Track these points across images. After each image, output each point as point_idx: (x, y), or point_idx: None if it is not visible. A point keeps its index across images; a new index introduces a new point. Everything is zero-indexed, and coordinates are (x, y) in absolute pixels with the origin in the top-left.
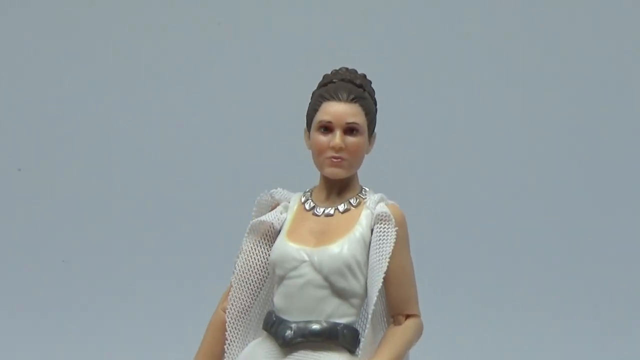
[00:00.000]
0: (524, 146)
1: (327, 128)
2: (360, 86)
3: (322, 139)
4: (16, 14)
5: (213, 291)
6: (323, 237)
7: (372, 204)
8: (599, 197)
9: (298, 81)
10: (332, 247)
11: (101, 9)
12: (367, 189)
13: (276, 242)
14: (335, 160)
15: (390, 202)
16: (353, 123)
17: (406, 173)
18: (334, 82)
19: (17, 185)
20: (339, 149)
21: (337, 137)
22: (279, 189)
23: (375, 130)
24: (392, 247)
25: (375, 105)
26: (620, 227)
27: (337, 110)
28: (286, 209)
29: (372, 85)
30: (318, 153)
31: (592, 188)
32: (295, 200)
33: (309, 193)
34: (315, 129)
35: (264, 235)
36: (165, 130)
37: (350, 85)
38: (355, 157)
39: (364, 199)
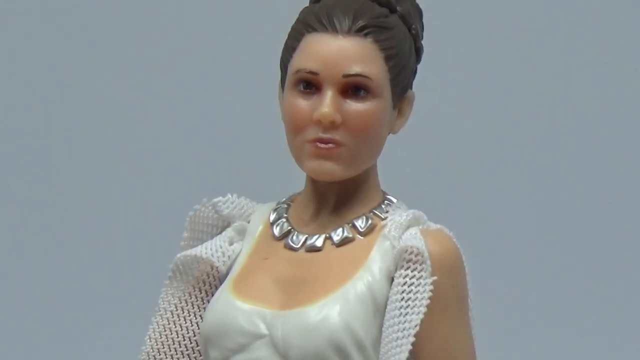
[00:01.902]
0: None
1: (310, 84)
2: (385, 3)
3: (301, 104)
4: None
5: None
6: (298, 292)
7: (396, 230)
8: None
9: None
10: (308, 309)
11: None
12: (394, 200)
13: (214, 298)
14: (322, 146)
15: (433, 226)
16: (359, 76)
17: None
18: None
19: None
20: (329, 125)
21: (325, 102)
22: (231, 196)
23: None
24: (422, 315)
25: (416, 40)
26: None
27: (329, 49)
28: (241, 233)
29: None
30: (293, 131)
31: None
32: (259, 218)
33: (284, 207)
34: (290, 86)
35: (199, 284)
36: (152, 128)
37: (360, 2)
38: (363, 141)
39: (382, 218)
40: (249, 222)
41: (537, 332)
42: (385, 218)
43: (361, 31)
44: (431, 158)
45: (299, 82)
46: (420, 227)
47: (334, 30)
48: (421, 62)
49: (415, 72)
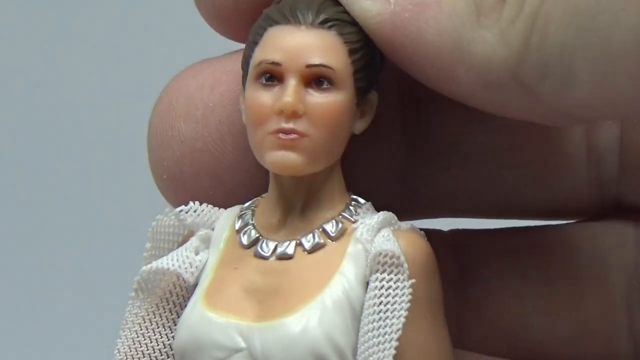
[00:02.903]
0: None
1: (272, 76)
2: None
3: (263, 97)
4: None
5: None
6: (273, 303)
7: (368, 233)
8: None
9: None
10: (287, 321)
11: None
12: (362, 201)
13: (185, 311)
14: (284, 137)
15: (403, 226)
16: (322, 66)
17: None
18: None
19: None
20: (291, 114)
21: (288, 92)
22: (193, 204)
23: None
24: (403, 318)
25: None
26: None
27: (292, 40)
28: (206, 242)
29: None
30: (255, 124)
31: None
32: (224, 224)
33: (248, 213)
34: (252, 80)
35: (165, 295)
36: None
37: None
38: (325, 133)
39: (352, 221)
40: (213, 229)
41: None
42: (356, 221)
43: (324, 23)
44: None
45: (260, 74)
46: (391, 228)
47: (297, 23)
48: None
49: (379, 73)
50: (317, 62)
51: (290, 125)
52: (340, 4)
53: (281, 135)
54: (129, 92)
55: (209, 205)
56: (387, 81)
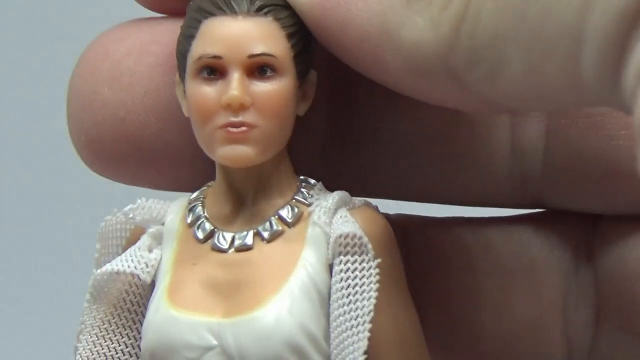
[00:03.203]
0: None
1: (213, 70)
2: None
3: (207, 91)
4: None
5: None
6: (239, 296)
7: (325, 215)
8: None
9: None
10: (259, 314)
11: None
12: (312, 182)
13: (149, 313)
14: (234, 130)
15: (357, 202)
16: (264, 55)
17: None
18: None
19: None
20: (238, 107)
21: (233, 85)
22: (141, 201)
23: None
24: (373, 299)
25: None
26: None
27: (231, 31)
28: (158, 238)
29: None
30: (201, 120)
31: None
32: (174, 217)
33: (199, 205)
34: (193, 74)
35: (120, 301)
36: None
37: None
38: (274, 121)
39: (307, 205)
40: (162, 224)
41: None
42: (311, 204)
43: (260, 10)
44: None
45: (201, 69)
46: (347, 207)
47: (233, 12)
48: None
49: (315, 53)
50: (258, 52)
51: (238, 119)
52: None
53: (231, 129)
54: None
55: (156, 200)
56: (317, 64)
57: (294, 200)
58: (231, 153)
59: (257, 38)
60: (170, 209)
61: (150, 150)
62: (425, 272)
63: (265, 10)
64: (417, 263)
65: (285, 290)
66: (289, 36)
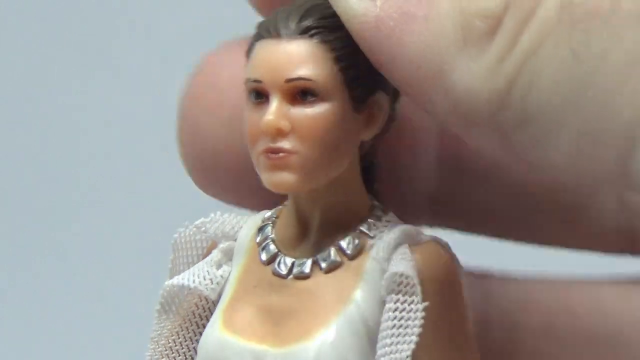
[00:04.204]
0: None
1: (259, 94)
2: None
3: (253, 116)
4: None
5: None
6: (288, 326)
7: (385, 251)
8: None
9: None
10: (303, 347)
11: None
12: (382, 212)
13: (205, 330)
14: (272, 156)
15: (424, 238)
16: (301, 79)
17: None
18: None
19: None
20: (275, 133)
21: (270, 110)
22: (214, 215)
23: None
24: (413, 344)
25: None
26: None
27: (271, 55)
28: (229, 254)
29: None
30: (250, 144)
31: None
32: (247, 234)
33: (269, 225)
34: (246, 98)
35: (189, 316)
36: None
37: (313, 2)
38: (315, 147)
39: (370, 237)
40: (235, 239)
41: None
42: (374, 237)
43: (306, 32)
44: None
45: (249, 93)
46: (411, 242)
47: (278, 35)
48: None
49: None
50: (295, 76)
51: (277, 145)
52: (328, 8)
53: (270, 155)
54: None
55: (232, 215)
56: None
57: (357, 232)
58: (272, 179)
59: (297, 62)
60: (245, 225)
61: (250, 180)
62: (499, 329)
63: (312, 32)
64: (493, 319)
65: (332, 325)
66: (338, 59)
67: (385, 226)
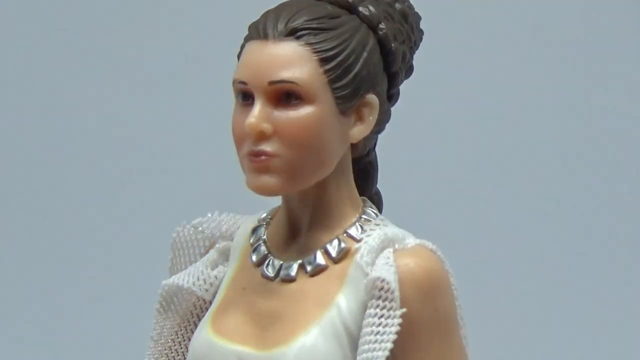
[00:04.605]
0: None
1: (245, 95)
2: (341, 3)
3: (238, 118)
4: None
5: None
6: (273, 329)
7: (368, 255)
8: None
9: None
10: (283, 351)
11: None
12: (372, 216)
13: (195, 333)
14: (254, 159)
15: (411, 242)
16: (284, 82)
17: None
18: (286, 2)
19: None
20: (257, 135)
21: (253, 113)
22: (211, 215)
23: (382, 89)
24: (387, 350)
25: (384, 42)
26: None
27: (256, 57)
28: (225, 254)
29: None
30: (236, 146)
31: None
32: (242, 234)
33: (263, 226)
34: (235, 99)
35: (187, 315)
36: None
37: (306, 2)
38: (299, 150)
39: (356, 240)
40: (232, 239)
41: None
42: (360, 240)
43: (292, 34)
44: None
45: (237, 94)
46: (396, 246)
47: (265, 37)
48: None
49: (394, 74)
50: (278, 79)
51: (259, 147)
52: (324, 8)
53: (252, 158)
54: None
55: (230, 214)
56: None
57: (344, 234)
58: (254, 182)
59: (280, 64)
60: (242, 225)
61: None
62: None
63: (298, 34)
64: None
65: (312, 330)
66: (323, 61)
67: (373, 230)
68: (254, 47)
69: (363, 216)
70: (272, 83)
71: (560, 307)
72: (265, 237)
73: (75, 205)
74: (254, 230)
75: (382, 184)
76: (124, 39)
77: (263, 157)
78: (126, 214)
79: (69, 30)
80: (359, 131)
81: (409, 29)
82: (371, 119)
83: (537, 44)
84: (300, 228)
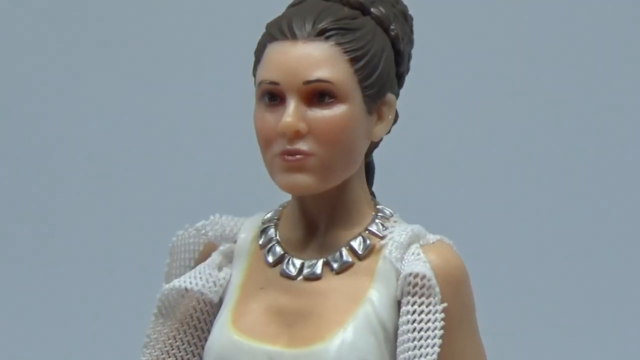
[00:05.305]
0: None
1: (274, 95)
2: (356, 5)
3: (267, 118)
4: None
5: None
6: (303, 327)
7: (397, 251)
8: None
9: None
10: (321, 348)
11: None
12: (388, 213)
13: (213, 333)
14: (290, 158)
15: (432, 238)
16: (319, 81)
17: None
18: (301, 3)
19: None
20: (293, 135)
21: (287, 112)
22: (214, 217)
23: (396, 89)
24: (437, 346)
25: (396, 42)
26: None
27: (288, 57)
28: (229, 256)
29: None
30: (263, 146)
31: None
32: (247, 235)
33: (272, 227)
34: (257, 99)
35: (186, 319)
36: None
37: (324, 4)
38: (333, 149)
39: (380, 237)
40: (235, 241)
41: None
42: (384, 236)
43: (321, 35)
44: (430, 162)
45: (263, 94)
46: (420, 242)
47: (294, 37)
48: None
49: (401, 75)
50: (313, 78)
51: (294, 147)
52: (342, 10)
53: (287, 157)
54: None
55: (230, 217)
56: None
57: (367, 232)
58: (288, 181)
59: (314, 64)
60: (243, 227)
61: None
62: None
63: (327, 34)
64: None
65: (349, 325)
66: (353, 61)
67: (393, 226)
68: (282, 48)
69: (379, 214)
70: (307, 82)
71: (560, 307)
72: (278, 237)
73: (76, 205)
74: (263, 232)
75: (382, 183)
76: (124, 39)
77: (299, 156)
78: (126, 216)
79: (70, 30)
80: (379, 130)
81: (409, 30)
82: (390, 117)
83: (539, 44)
84: (318, 227)
